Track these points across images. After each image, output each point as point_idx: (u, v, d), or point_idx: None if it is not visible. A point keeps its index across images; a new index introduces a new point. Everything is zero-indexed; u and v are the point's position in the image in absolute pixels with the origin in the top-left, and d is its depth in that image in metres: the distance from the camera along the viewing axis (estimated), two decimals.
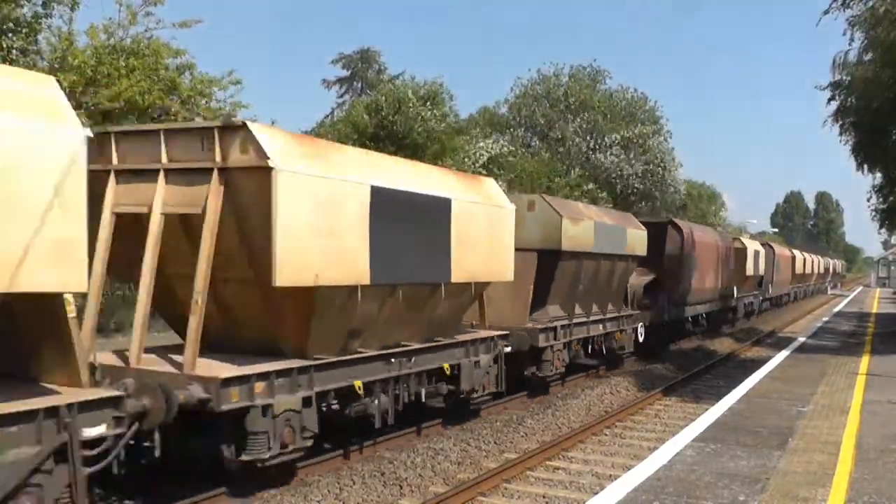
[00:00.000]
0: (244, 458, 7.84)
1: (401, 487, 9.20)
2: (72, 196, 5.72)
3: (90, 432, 6.27)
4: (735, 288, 28.49)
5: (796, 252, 49.60)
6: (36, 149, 5.53)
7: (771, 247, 38.65)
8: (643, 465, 8.19)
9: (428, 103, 28.36)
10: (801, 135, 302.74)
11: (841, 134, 23.10)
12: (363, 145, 26.12)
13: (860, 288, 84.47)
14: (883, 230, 33.46)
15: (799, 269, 47.93)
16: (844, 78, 21.42)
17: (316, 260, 7.99)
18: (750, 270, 30.63)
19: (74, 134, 5.81)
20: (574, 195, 31.22)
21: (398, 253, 9.27)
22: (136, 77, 15.85)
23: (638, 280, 19.23)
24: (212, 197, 7.76)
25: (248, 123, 7.86)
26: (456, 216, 10.38)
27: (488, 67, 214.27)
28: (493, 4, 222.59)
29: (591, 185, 37.49)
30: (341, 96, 50.01)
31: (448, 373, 10.91)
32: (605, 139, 40.83)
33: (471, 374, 11.42)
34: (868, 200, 27.60)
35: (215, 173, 7.79)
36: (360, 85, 49.45)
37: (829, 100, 22.07)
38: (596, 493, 7.74)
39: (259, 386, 7.87)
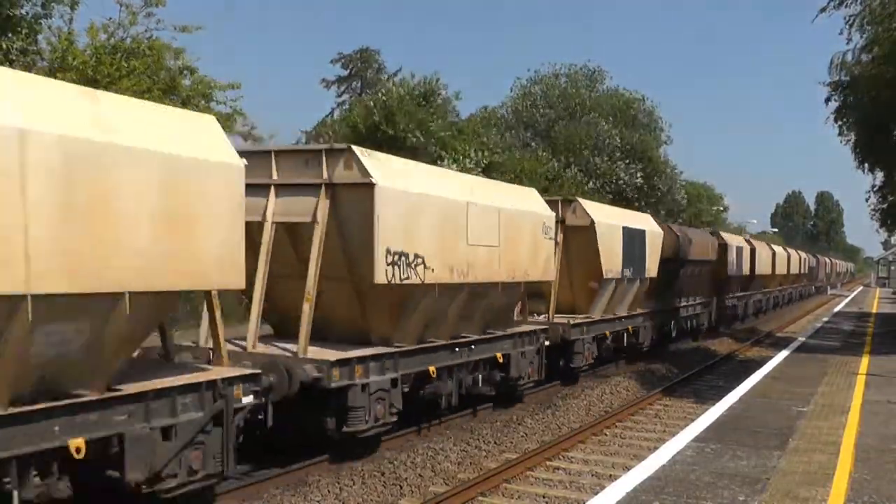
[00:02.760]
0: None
1: (401, 487, 9.20)
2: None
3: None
4: (825, 278, 75.60)
5: (837, 261, 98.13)
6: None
7: (830, 260, 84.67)
8: (643, 465, 8.18)
9: (423, 101, 28.24)
10: (802, 134, 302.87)
11: (841, 133, 23.15)
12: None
13: (860, 288, 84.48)
14: (882, 230, 33.45)
15: (838, 270, 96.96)
16: (843, 78, 21.43)
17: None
18: (830, 270, 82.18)
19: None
20: (573, 193, 31.18)
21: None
22: (136, 77, 15.85)
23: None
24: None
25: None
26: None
27: (489, 67, 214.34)
28: (495, 4, 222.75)
29: (590, 185, 37.47)
30: (340, 96, 50.01)
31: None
32: (606, 143, 40.75)
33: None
34: (867, 200, 27.62)
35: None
36: (359, 84, 49.42)
37: (827, 100, 22.13)
38: (596, 493, 7.74)
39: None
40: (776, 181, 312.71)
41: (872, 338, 23.13)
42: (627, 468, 8.93)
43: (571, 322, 15.26)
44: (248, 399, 7.85)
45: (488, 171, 28.61)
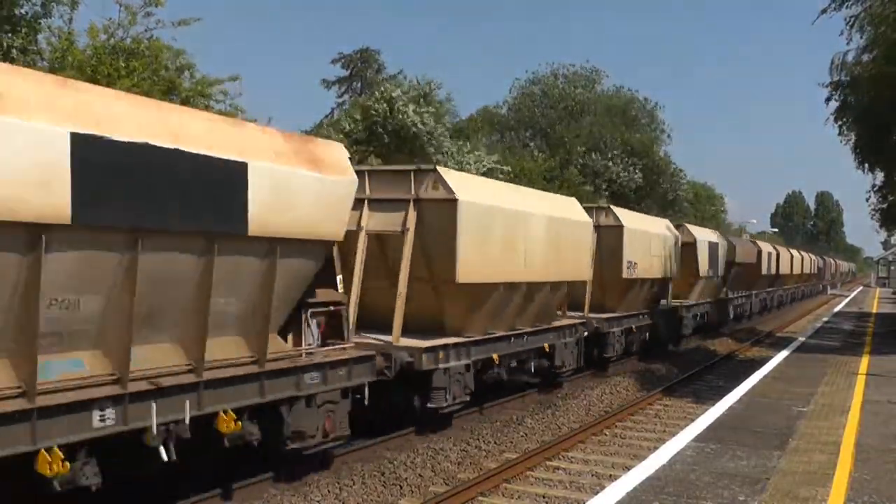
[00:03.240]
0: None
1: (401, 487, 9.20)
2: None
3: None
4: (831, 277, 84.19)
5: (840, 261, 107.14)
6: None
7: (835, 261, 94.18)
8: (643, 466, 8.18)
9: (421, 101, 28.37)
10: (802, 134, 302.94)
11: (841, 133, 23.16)
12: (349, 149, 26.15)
13: (860, 288, 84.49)
14: (882, 230, 33.47)
15: (841, 270, 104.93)
16: (844, 78, 21.46)
17: None
18: (834, 270, 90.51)
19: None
20: (571, 194, 31.25)
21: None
22: (136, 77, 15.86)
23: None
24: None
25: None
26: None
27: (489, 66, 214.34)
28: (495, 4, 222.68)
29: (588, 187, 37.55)
30: (340, 96, 49.98)
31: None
32: (605, 143, 40.76)
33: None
34: (867, 200, 27.62)
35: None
36: (359, 85, 49.39)
37: (827, 99, 22.16)
38: (596, 493, 7.74)
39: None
40: (776, 181, 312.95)
41: (872, 338, 23.13)
42: (627, 468, 8.93)
43: (683, 304, 23.75)
44: (585, 333, 15.99)
45: (486, 175, 28.76)
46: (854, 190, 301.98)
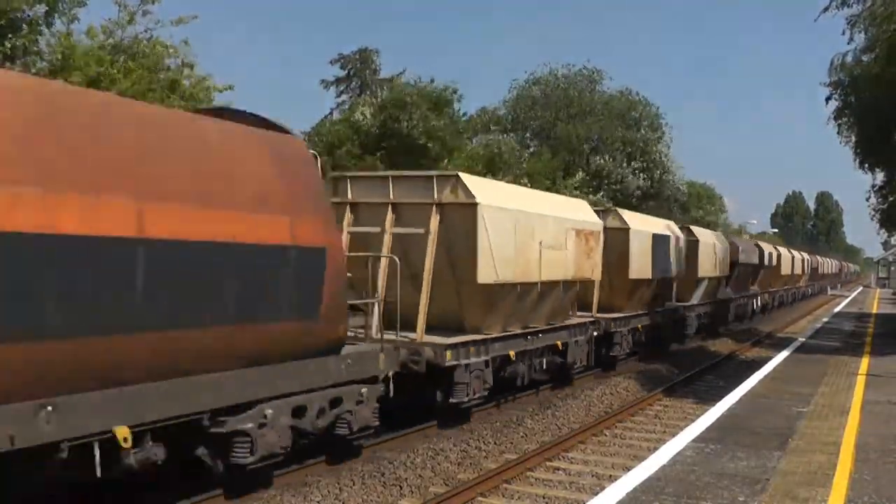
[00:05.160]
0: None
1: (401, 487, 9.20)
2: None
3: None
4: (844, 276, 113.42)
5: (850, 264, 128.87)
6: None
7: (846, 263, 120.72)
8: (643, 466, 8.19)
9: (434, 107, 28.30)
10: (802, 134, 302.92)
11: (840, 133, 23.15)
12: (362, 146, 26.06)
13: (860, 288, 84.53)
14: (882, 231, 33.48)
15: (849, 270, 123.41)
16: (843, 78, 21.45)
17: None
18: (846, 271, 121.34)
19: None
20: (574, 195, 31.24)
21: None
22: (136, 77, 15.86)
23: None
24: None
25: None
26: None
27: (487, 66, 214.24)
28: (493, 4, 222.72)
29: (592, 193, 37.55)
30: (339, 96, 49.94)
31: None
32: (609, 143, 40.70)
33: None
34: (868, 200, 27.63)
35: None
36: (358, 85, 49.35)
37: (828, 99, 22.15)
38: (596, 494, 7.74)
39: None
40: (776, 181, 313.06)
41: (872, 338, 23.14)
42: (627, 469, 8.93)
43: (800, 285, 52.59)
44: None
45: (488, 168, 28.71)
46: (854, 190, 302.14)
